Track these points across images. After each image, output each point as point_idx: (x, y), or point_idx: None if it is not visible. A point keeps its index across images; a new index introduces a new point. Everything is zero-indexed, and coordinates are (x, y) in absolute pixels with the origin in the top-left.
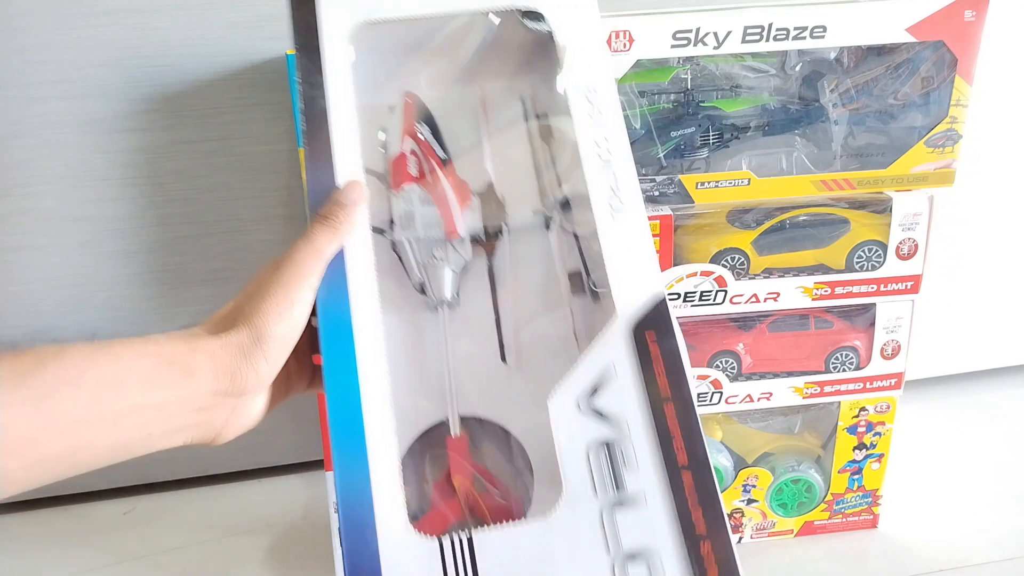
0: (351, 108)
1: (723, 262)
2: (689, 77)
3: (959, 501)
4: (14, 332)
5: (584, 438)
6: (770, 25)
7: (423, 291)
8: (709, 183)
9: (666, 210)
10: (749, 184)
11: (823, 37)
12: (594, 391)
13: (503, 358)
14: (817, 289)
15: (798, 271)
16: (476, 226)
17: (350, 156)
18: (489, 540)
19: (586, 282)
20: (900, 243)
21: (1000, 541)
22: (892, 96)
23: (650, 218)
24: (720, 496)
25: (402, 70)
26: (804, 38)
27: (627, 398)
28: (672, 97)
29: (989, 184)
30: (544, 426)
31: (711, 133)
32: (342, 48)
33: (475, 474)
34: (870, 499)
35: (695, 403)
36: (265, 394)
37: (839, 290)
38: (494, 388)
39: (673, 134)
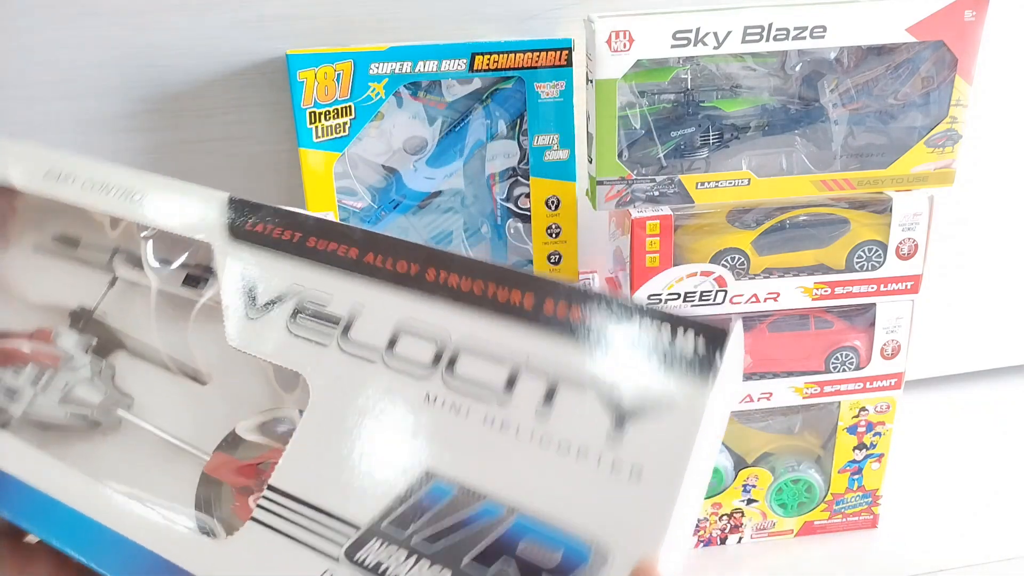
0: None
1: (723, 262)
2: (689, 77)
3: (959, 501)
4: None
5: (276, 328)
6: (770, 25)
7: (91, 423)
8: (709, 183)
9: (666, 210)
10: (749, 184)
11: (823, 37)
12: (252, 299)
13: (202, 382)
14: (817, 289)
15: (798, 271)
16: (71, 340)
17: None
18: (287, 472)
19: (197, 273)
20: (900, 243)
21: (1000, 541)
22: (892, 96)
23: (650, 218)
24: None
25: None
26: (804, 38)
27: (277, 271)
28: (672, 97)
29: (989, 184)
30: (261, 384)
31: (711, 133)
32: None
33: (249, 465)
34: (870, 499)
35: (324, 217)
36: None
37: (839, 290)
38: (221, 408)
39: (673, 134)
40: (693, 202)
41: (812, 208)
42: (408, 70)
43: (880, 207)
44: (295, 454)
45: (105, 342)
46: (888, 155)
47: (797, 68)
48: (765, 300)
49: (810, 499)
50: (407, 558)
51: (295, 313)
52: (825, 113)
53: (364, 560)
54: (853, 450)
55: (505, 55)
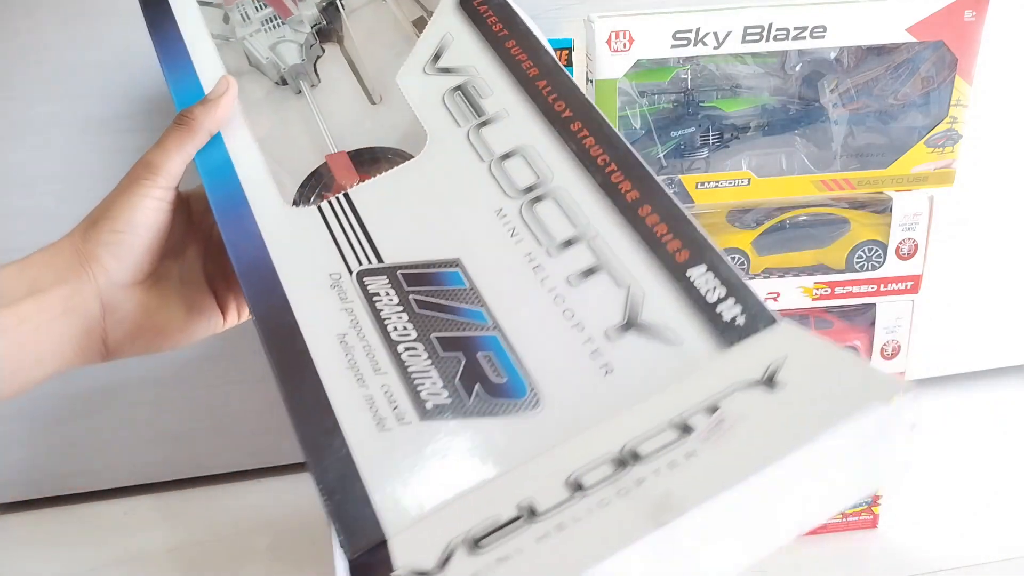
0: None
1: None
2: (689, 77)
3: (959, 501)
4: None
5: (437, 91)
6: (770, 25)
7: (282, 80)
8: (709, 183)
9: None
10: (749, 184)
11: (823, 37)
12: (436, 57)
13: (371, 100)
14: (817, 289)
15: (798, 271)
16: (309, 11)
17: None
18: (365, 191)
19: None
20: (900, 243)
21: (1000, 541)
22: (892, 96)
23: None
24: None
25: None
26: (804, 38)
27: (468, 50)
28: (672, 97)
29: (989, 184)
30: (419, 133)
31: (711, 133)
32: None
33: (358, 178)
34: (870, 499)
35: (535, 33)
36: (141, 290)
37: (839, 290)
38: (368, 127)
39: (673, 134)
40: (693, 202)
41: (812, 208)
42: None
43: (880, 207)
44: (377, 185)
45: (330, 30)
46: (888, 155)
47: (797, 68)
48: (765, 300)
49: None
50: (396, 303)
51: (457, 88)
52: (825, 113)
53: (367, 284)
54: None
55: None
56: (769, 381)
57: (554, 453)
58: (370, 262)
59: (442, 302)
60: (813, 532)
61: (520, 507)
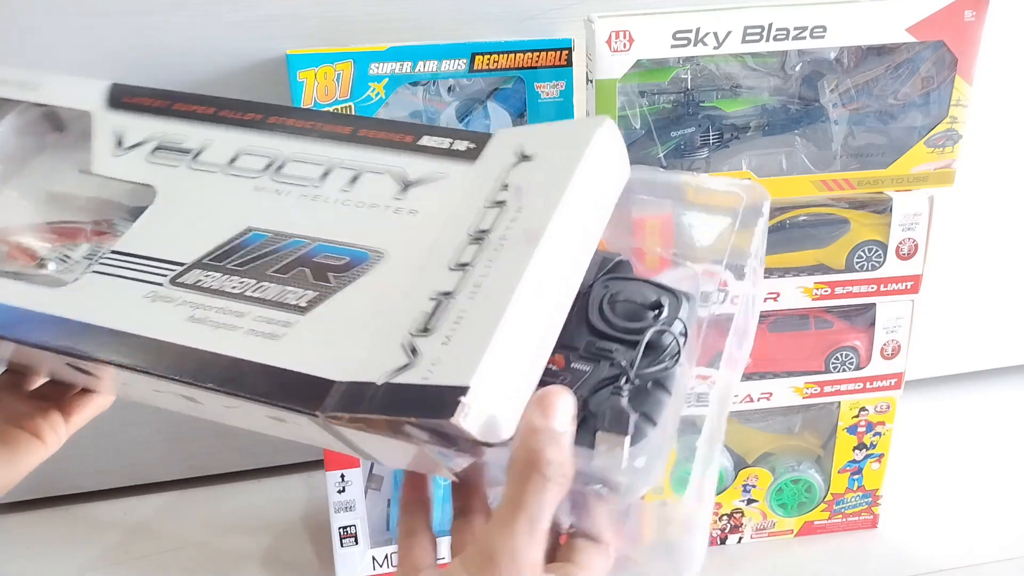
0: None
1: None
2: (689, 77)
3: (959, 501)
4: None
5: (138, 159)
6: (770, 25)
7: None
8: None
9: (667, 209)
10: None
11: (823, 37)
12: (119, 143)
13: None
14: (817, 289)
15: (798, 271)
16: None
17: None
18: (130, 238)
19: None
20: (900, 243)
21: (1000, 541)
22: (892, 96)
23: (651, 218)
24: None
25: None
26: (804, 38)
27: (144, 127)
28: (672, 97)
29: (989, 184)
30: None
31: (711, 133)
32: None
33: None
34: (870, 499)
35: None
36: None
37: (839, 290)
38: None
39: (673, 134)
40: None
41: (812, 208)
42: (408, 70)
43: (880, 207)
44: (136, 229)
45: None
46: (888, 155)
47: (797, 68)
48: (765, 300)
49: (810, 499)
50: (221, 276)
51: (155, 150)
52: (825, 113)
53: (184, 281)
54: (853, 450)
55: (505, 55)
56: (524, 157)
57: (423, 266)
58: (174, 271)
59: (258, 253)
60: (813, 532)
61: (433, 297)
